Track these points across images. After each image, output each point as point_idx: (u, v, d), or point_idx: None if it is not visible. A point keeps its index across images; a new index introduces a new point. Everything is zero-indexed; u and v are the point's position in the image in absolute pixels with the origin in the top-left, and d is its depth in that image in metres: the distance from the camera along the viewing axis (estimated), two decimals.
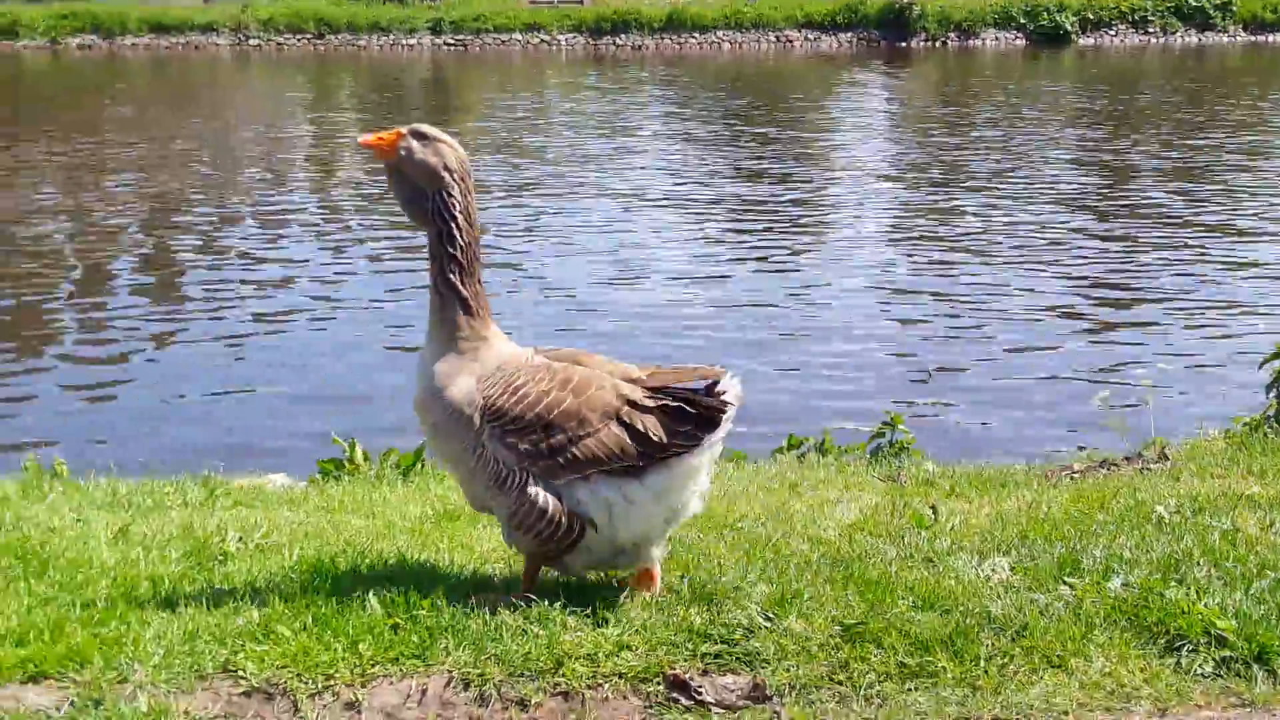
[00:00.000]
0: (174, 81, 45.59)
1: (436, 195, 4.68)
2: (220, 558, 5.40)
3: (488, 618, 4.63)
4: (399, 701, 4.28)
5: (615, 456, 4.58)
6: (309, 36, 58.30)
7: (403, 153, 4.69)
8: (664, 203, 21.57)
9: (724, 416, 4.63)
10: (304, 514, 6.23)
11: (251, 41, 57.74)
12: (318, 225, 20.13)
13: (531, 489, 4.59)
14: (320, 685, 4.30)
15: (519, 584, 4.91)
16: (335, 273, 16.90)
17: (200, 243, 18.77)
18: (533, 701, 4.26)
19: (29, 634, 4.51)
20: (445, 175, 4.67)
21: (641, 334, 13.77)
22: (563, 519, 4.61)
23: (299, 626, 4.60)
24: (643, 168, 25.36)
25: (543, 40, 56.99)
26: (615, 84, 43.60)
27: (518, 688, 4.32)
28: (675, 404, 4.62)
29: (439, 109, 37.38)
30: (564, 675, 4.35)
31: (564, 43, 56.88)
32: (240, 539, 5.61)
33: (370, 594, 4.80)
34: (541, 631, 4.56)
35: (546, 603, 4.75)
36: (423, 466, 7.41)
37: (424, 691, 4.32)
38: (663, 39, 56.67)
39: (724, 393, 4.65)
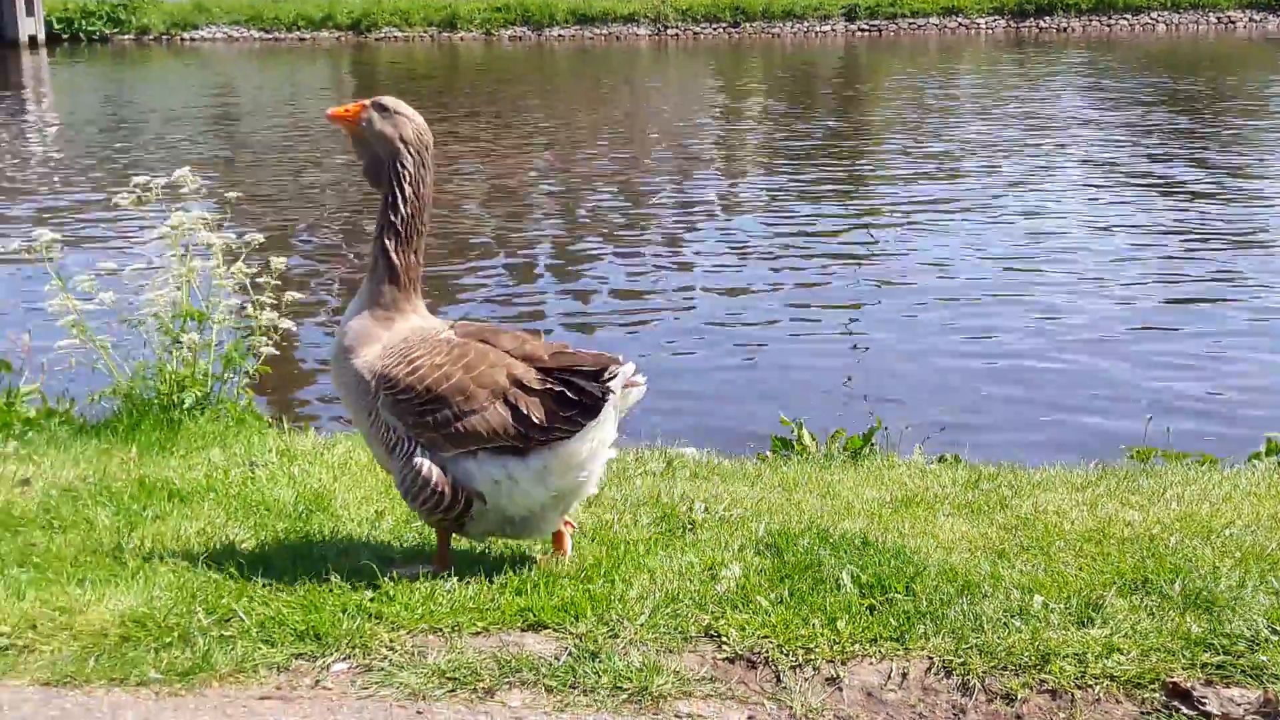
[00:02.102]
0: (597, 69, 47.55)
1: (391, 164, 4.82)
2: (689, 525, 5.54)
3: (966, 608, 4.54)
4: (879, 682, 4.26)
5: (497, 435, 4.65)
6: (724, 25, 59.53)
7: (364, 123, 4.87)
8: (1083, 198, 20.57)
9: (604, 405, 4.64)
10: (760, 490, 6.31)
11: (670, 31, 59.49)
12: (723, 212, 20.44)
13: (417, 459, 4.68)
14: (801, 658, 4.33)
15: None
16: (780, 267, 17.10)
17: (609, 228, 19.47)
18: (1019, 696, 4.14)
19: (526, 585, 4.78)
20: (401, 146, 4.82)
21: (1051, 343, 13.04)
22: (445, 490, 4.68)
23: (776, 599, 4.66)
24: (1062, 158, 24.33)
25: (960, 24, 55.76)
26: (1037, 67, 42.08)
27: (1002, 680, 4.21)
28: (559, 389, 4.65)
29: (850, 96, 37.26)
30: (1050, 672, 4.21)
31: (983, 26, 55.44)
32: (705, 509, 5.74)
33: (843, 573, 4.81)
34: (1024, 626, 4.43)
35: (1026, 596, 4.62)
36: (871, 450, 7.37)
37: (904, 675, 4.28)
38: (1090, 21, 54.25)
39: (610, 379, 4.64)
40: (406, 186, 4.82)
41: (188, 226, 7.61)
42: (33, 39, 57.42)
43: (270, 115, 34.66)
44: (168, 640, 4.41)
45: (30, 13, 57.60)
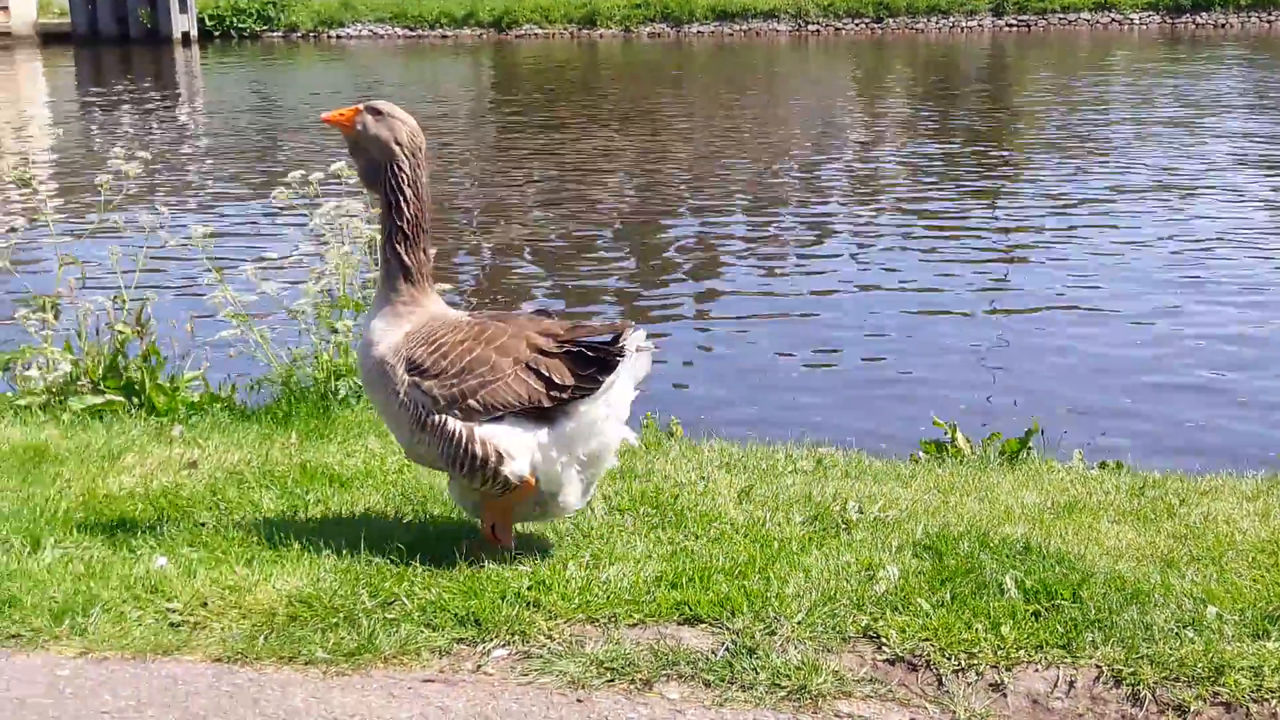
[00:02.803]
0: (739, 65, 47.39)
1: (388, 167, 4.92)
2: (843, 525, 5.48)
3: (1135, 617, 4.42)
4: (1045, 689, 4.17)
5: (523, 399, 4.80)
6: (867, 20, 58.89)
7: (359, 127, 4.96)
8: (1240, 203, 19.83)
9: (620, 361, 4.81)
10: (914, 491, 6.21)
11: (810, 27, 59.05)
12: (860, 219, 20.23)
13: (450, 425, 4.81)
14: (964, 663, 4.26)
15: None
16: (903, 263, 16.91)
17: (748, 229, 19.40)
18: (1192, 709, 4.02)
19: (681, 579, 4.77)
20: (396, 149, 4.92)
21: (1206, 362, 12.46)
22: (489, 448, 4.79)
23: (936, 601, 4.59)
24: (1220, 164, 23.56)
25: (1114, 19, 54.42)
26: (1195, 65, 40.87)
27: (1174, 691, 4.09)
28: (577, 349, 4.83)
29: (997, 93, 36.60)
30: (1224, 685, 4.08)
31: (1137, 21, 54.02)
32: (859, 509, 5.67)
33: (1006, 578, 4.72)
34: (1197, 637, 4.30)
35: (1199, 607, 4.48)
36: (1029, 453, 7.22)
37: (1071, 683, 4.18)
38: (1249, 17, 52.51)
39: (623, 342, 4.83)
40: (407, 189, 4.95)
41: (342, 218, 7.76)
42: (186, 36, 59.18)
43: (414, 113, 35.23)
44: (334, 621, 4.50)
45: (184, 10, 59.40)
